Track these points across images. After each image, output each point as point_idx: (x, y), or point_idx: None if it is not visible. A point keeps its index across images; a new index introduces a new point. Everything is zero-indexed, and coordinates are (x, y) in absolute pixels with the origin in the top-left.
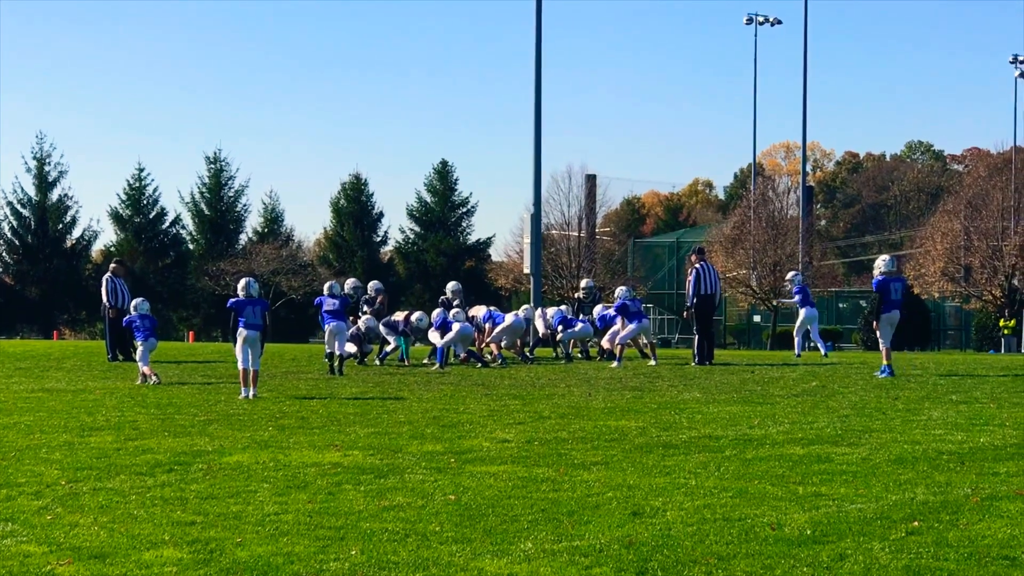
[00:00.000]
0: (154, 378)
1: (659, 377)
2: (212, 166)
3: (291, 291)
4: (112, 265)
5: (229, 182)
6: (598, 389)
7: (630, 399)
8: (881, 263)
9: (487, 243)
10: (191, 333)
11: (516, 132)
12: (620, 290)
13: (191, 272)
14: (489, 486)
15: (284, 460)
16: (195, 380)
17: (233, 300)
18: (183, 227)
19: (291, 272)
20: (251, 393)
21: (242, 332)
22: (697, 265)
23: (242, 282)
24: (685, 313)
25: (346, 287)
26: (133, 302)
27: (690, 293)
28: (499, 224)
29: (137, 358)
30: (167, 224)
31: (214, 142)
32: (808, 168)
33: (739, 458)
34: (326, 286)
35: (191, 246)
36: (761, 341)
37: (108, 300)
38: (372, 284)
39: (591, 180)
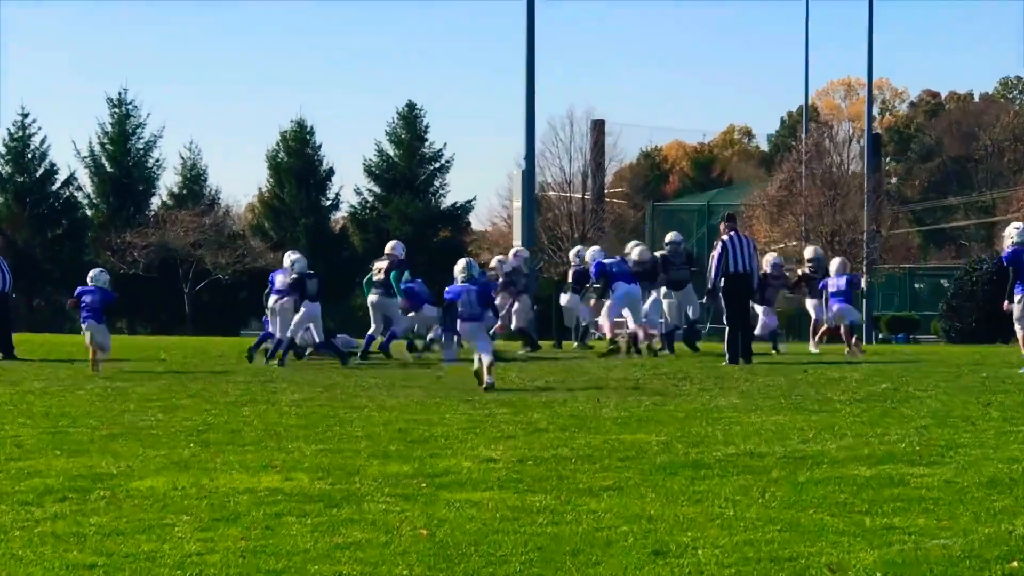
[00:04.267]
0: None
1: (686, 378)
2: (115, 111)
3: (217, 270)
4: None
5: (137, 131)
6: (609, 393)
7: (649, 406)
8: (1014, 230)
9: (466, 208)
10: None
11: (503, 65)
12: (594, 251)
13: (89, 245)
14: (470, 518)
15: (209, 485)
16: (94, 383)
17: None
18: (79, 188)
19: (216, 245)
20: None
21: None
22: (725, 236)
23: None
24: (706, 297)
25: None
26: (90, 273)
27: (713, 272)
28: (481, 184)
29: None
30: (58, 185)
31: (118, 80)
32: (875, 111)
33: (789, 481)
34: (288, 259)
35: (89, 212)
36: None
37: None
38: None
39: (598, 127)
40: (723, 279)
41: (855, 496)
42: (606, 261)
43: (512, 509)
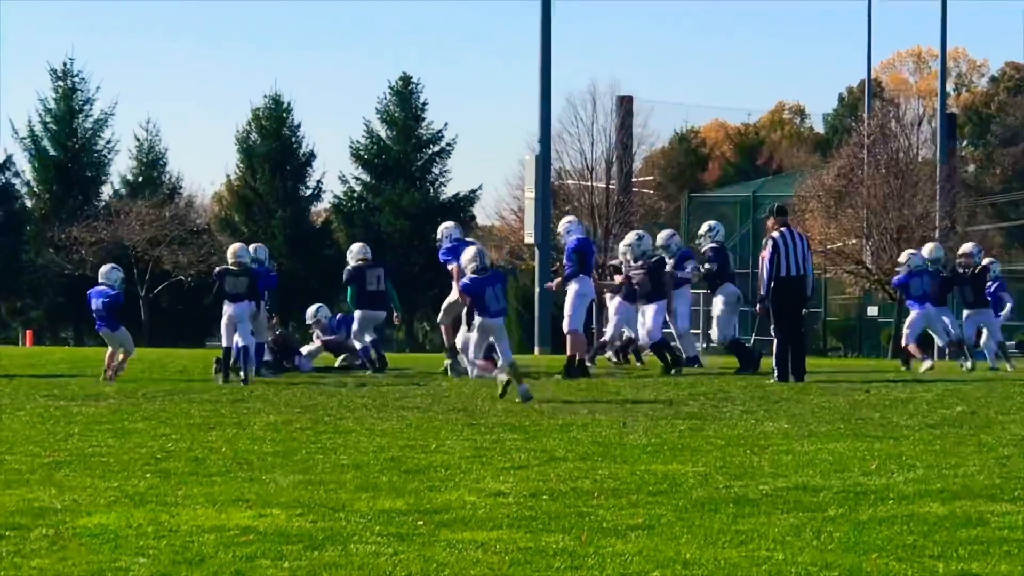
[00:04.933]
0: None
1: (728, 399)
2: (60, 84)
3: (178, 270)
4: None
5: (85, 108)
6: (637, 416)
7: (685, 431)
8: None
9: (470, 199)
10: (29, 333)
11: (514, 32)
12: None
13: (29, 241)
14: (475, 562)
15: (170, 522)
16: (35, 402)
17: None
18: (16, 174)
19: (177, 242)
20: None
21: None
22: (775, 233)
23: None
24: (759, 307)
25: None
26: (102, 270)
27: (764, 277)
28: (488, 171)
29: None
30: None
31: (62, 48)
32: (949, 88)
33: (849, 520)
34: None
35: (28, 203)
36: (879, 345)
37: None
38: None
39: (625, 105)
40: (773, 283)
41: (926, 538)
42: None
43: (524, 551)
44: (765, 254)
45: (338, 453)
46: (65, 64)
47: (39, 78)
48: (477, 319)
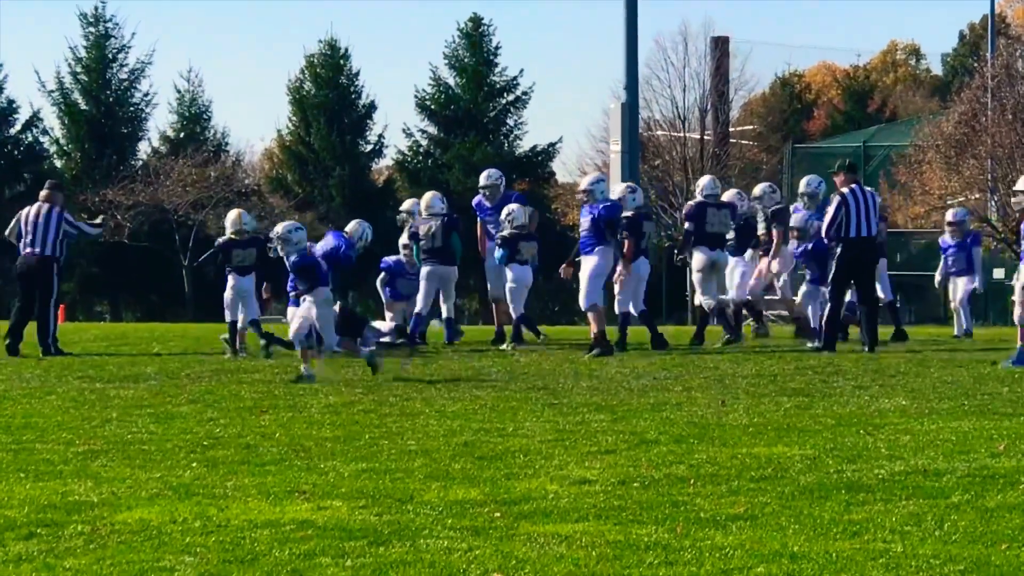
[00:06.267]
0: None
1: (838, 373)
2: (91, 30)
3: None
4: (45, 191)
5: (120, 57)
6: (737, 394)
7: (790, 410)
8: None
9: (550, 153)
10: (60, 308)
11: None
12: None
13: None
14: (559, 557)
15: (218, 517)
16: (68, 385)
17: None
18: (45, 132)
19: (224, 205)
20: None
21: None
22: (845, 189)
23: None
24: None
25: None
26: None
27: (825, 232)
28: (569, 122)
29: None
30: (18, 128)
31: None
32: None
33: (975, 507)
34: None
35: (59, 163)
36: (1007, 311)
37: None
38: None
39: (721, 46)
40: (841, 244)
41: None
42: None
43: (612, 545)
44: (830, 210)
45: (405, 438)
46: (96, 8)
47: (68, 24)
48: None
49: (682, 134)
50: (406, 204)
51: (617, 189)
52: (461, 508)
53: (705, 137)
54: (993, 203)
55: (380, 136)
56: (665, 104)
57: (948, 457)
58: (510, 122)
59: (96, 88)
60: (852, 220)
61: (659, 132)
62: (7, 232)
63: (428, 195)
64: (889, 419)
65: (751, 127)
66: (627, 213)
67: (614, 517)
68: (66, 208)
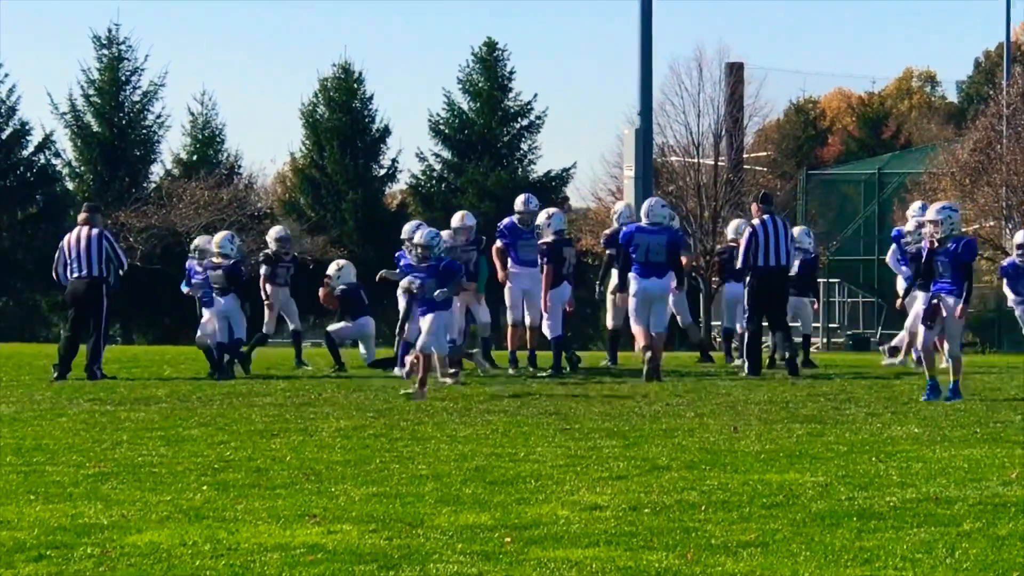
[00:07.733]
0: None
1: (850, 400)
2: (104, 52)
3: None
4: (83, 214)
5: (133, 79)
6: (749, 420)
7: (802, 436)
8: None
9: (563, 178)
10: None
11: None
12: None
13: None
14: None
15: (228, 540)
16: (79, 407)
17: None
18: (57, 154)
19: (236, 228)
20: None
21: None
22: (755, 221)
23: None
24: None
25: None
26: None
27: (743, 261)
28: (583, 148)
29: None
30: (30, 150)
31: (107, 14)
32: None
33: (986, 535)
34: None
35: (70, 185)
36: (1022, 340)
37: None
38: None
39: (735, 72)
40: (750, 274)
41: None
42: None
43: (623, 571)
44: (742, 240)
45: (416, 462)
46: (110, 30)
47: (81, 46)
48: None
49: (696, 160)
50: (408, 230)
51: (541, 216)
52: (472, 533)
53: (719, 163)
54: (1008, 231)
55: (393, 160)
56: (679, 130)
57: (960, 485)
58: (524, 147)
59: (109, 110)
60: (761, 250)
61: (673, 158)
62: (54, 266)
63: (457, 216)
64: (901, 446)
65: (765, 153)
66: (547, 239)
67: (625, 543)
68: (105, 227)
